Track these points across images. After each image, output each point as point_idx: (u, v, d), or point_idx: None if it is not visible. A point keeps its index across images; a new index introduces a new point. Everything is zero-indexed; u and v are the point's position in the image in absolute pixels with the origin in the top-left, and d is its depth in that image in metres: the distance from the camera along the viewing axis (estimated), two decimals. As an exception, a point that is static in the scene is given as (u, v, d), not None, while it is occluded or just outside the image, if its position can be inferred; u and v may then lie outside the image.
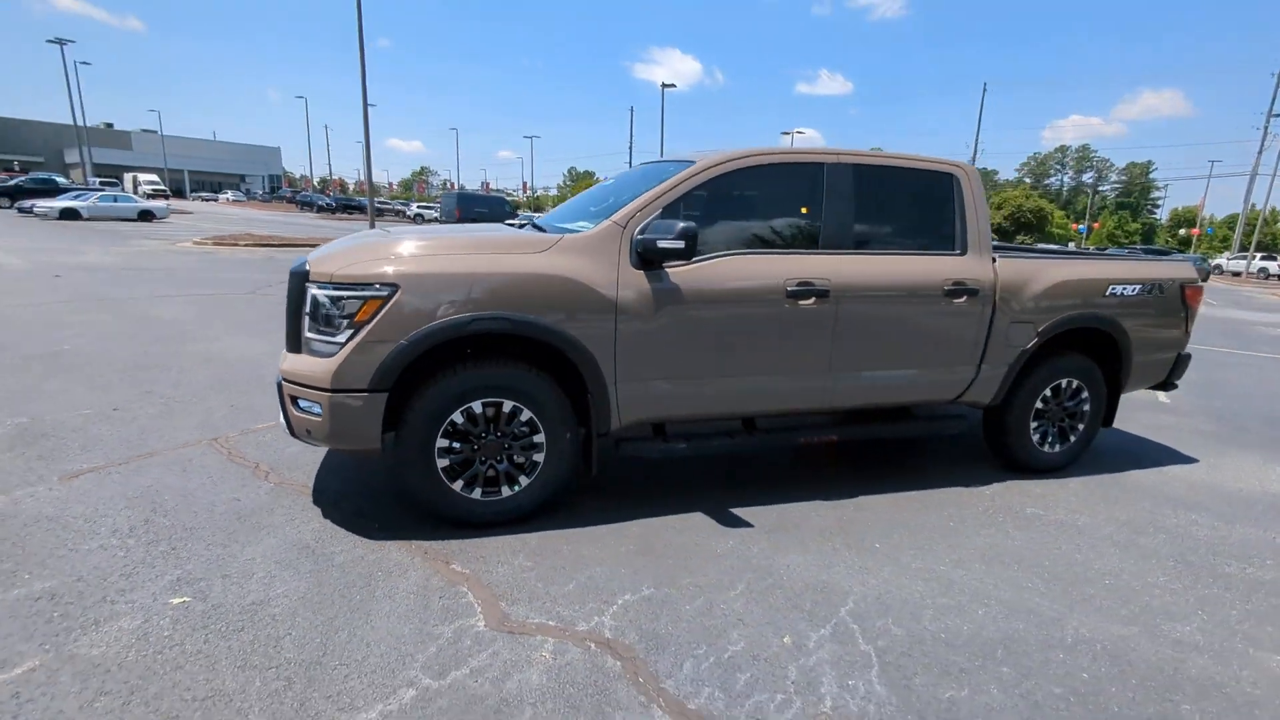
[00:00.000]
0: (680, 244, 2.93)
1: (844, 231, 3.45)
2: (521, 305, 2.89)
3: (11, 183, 33.58)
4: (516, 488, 3.07)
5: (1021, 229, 46.71)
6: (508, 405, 2.96)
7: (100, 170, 63.57)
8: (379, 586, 2.56)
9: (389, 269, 2.78)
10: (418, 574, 2.66)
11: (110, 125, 70.75)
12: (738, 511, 3.38)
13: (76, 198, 27.27)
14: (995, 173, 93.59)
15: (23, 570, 2.53)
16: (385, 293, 2.74)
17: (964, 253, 3.69)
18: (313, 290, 2.81)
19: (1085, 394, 4.13)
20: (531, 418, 3.01)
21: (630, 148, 39.36)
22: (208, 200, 61.49)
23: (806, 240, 3.44)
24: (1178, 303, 4.24)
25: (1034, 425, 4.05)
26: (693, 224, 2.95)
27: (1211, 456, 4.67)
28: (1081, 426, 4.19)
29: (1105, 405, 4.25)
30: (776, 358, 3.36)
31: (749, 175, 3.37)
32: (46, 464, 3.51)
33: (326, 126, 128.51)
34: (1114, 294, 4.02)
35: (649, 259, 3.02)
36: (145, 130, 72.52)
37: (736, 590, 2.67)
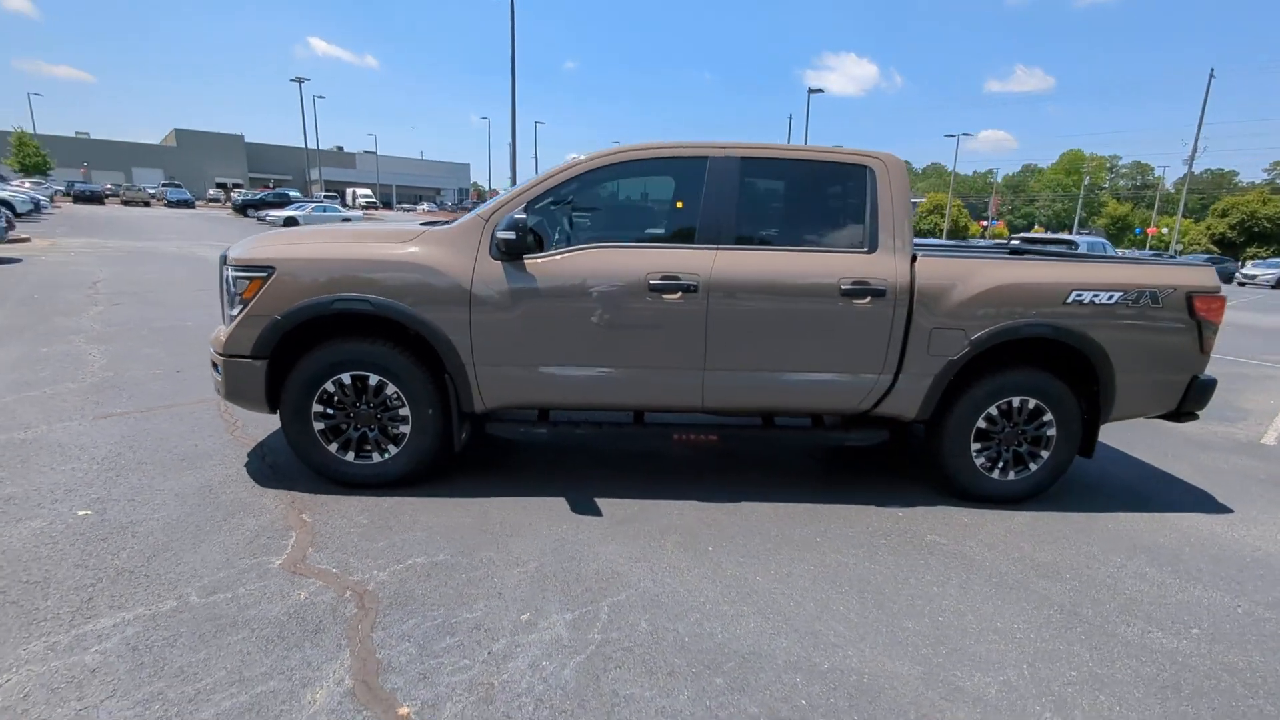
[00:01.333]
0: (511, 234, 3.07)
1: (724, 226, 3.34)
2: (383, 290, 3.20)
3: (257, 196, 41.42)
4: (386, 455, 3.39)
5: (1256, 239, 39.03)
6: (374, 379, 3.29)
7: (330, 186, 75.00)
8: (230, 522, 3.00)
9: (270, 254, 3.24)
10: (269, 517, 3.07)
11: (340, 148, 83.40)
12: (603, 501, 3.41)
13: (297, 208, 32.77)
14: (1234, 174, 78.58)
15: (5, 479, 3.31)
16: (264, 274, 3.19)
17: (873, 250, 3.38)
18: (225, 271, 3.35)
19: (1047, 416, 3.57)
20: (396, 392, 3.31)
21: None
22: (407, 210, 70.04)
23: (681, 234, 3.38)
24: (1182, 314, 3.50)
25: (977, 448, 3.58)
26: (523, 216, 3.08)
27: (1257, 510, 3.77)
28: (1045, 454, 3.62)
29: (1082, 432, 3.64)
30: (641, 351, 3.35)
31: (622, 171, 3.40)
32: (96, 406, 4.47)
33: (512, 143, 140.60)
34: (1079, 301, 3.43)
35: (506, 250, 3.19)
36: (367, 151, 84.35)
37: (525, 568, 2.76)
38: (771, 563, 2.90)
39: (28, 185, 34.07)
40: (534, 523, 3.16)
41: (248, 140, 71.44)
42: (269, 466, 3.63)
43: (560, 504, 3.36)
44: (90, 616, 2.29)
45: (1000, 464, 3.62)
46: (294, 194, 44.81)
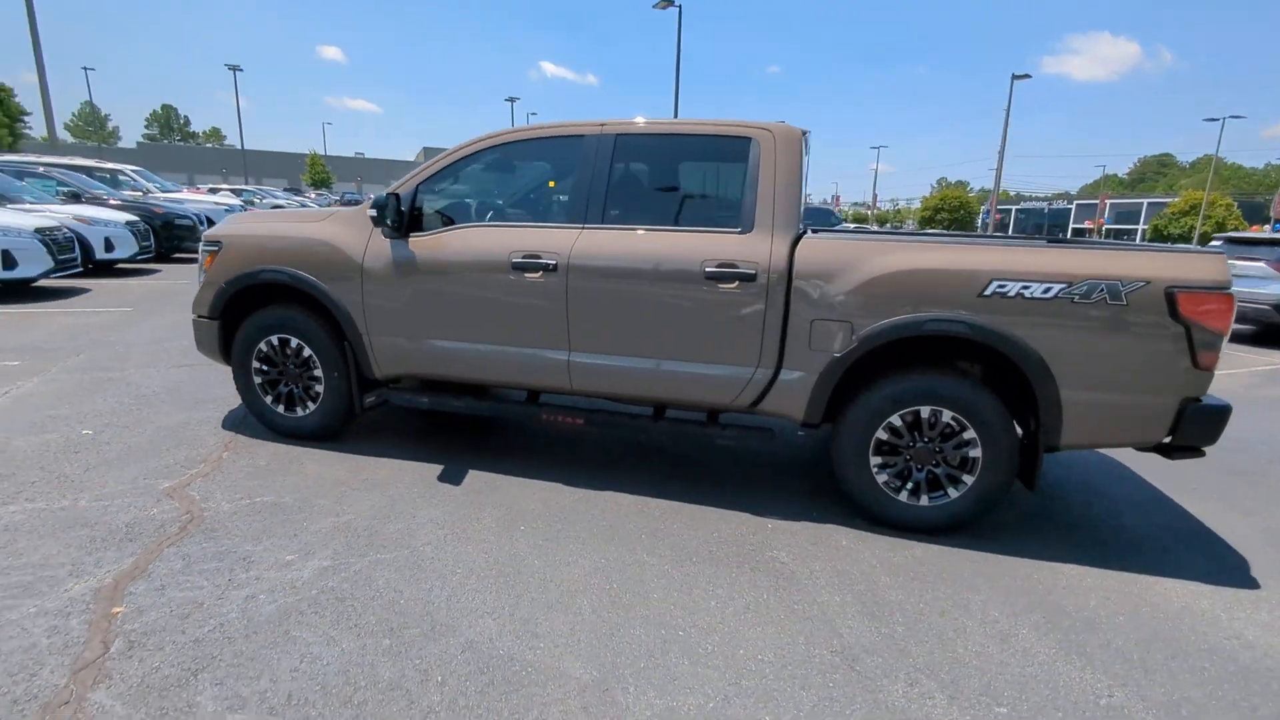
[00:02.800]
0: (374, 213, 3.29)
1: (592, 205, 3.25)
2: (297, 263, 3.63)
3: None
4: (306, 411, 3.83)
5: None
6: (294, 342, 3.74)
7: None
8: (170, 452, 3.62)
9: (222, 232, 3.83)
10: (202, 451, 3.65)
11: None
12: (476, 474, 3.52)
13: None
14: None
15: (63, 404, 4.31)
16: (216, 248, 3.79)
17: (747, 230, 3.05)
18: (200, 246, 4.03)
19: (969, 434, 2.93)
20: (311, 355, 3.73)
21: (1001, 152, 33.97)
22: None
23: (553, 214, 3.35)
24: (1160, 316, 2.65)
25: (878, 463, 3.06)
26: (393, 195, 3.28)
27: None
28: (969, 479, 2.97)
29: (1019, 457, 2.93)
30: (510, 330, 3.38)
31: (507, 153, 3.46)
32: (183, 359, 5.57)
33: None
34: (1001, 294, 2.77)
35: (394, 228, 3.43)
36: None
37: (340, 519, 2.97)
38: (566, 552, 2.79)
39: (291, 193, 41.85)
40: (391, 482, 3.37)
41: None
42: (241, 419, 4.27)
43: (433, 470, 3.53)
44: (4, 503, 2.96)
45: (912, 486, 3.05)
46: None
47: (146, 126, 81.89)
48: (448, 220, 3.52)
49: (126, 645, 2.09)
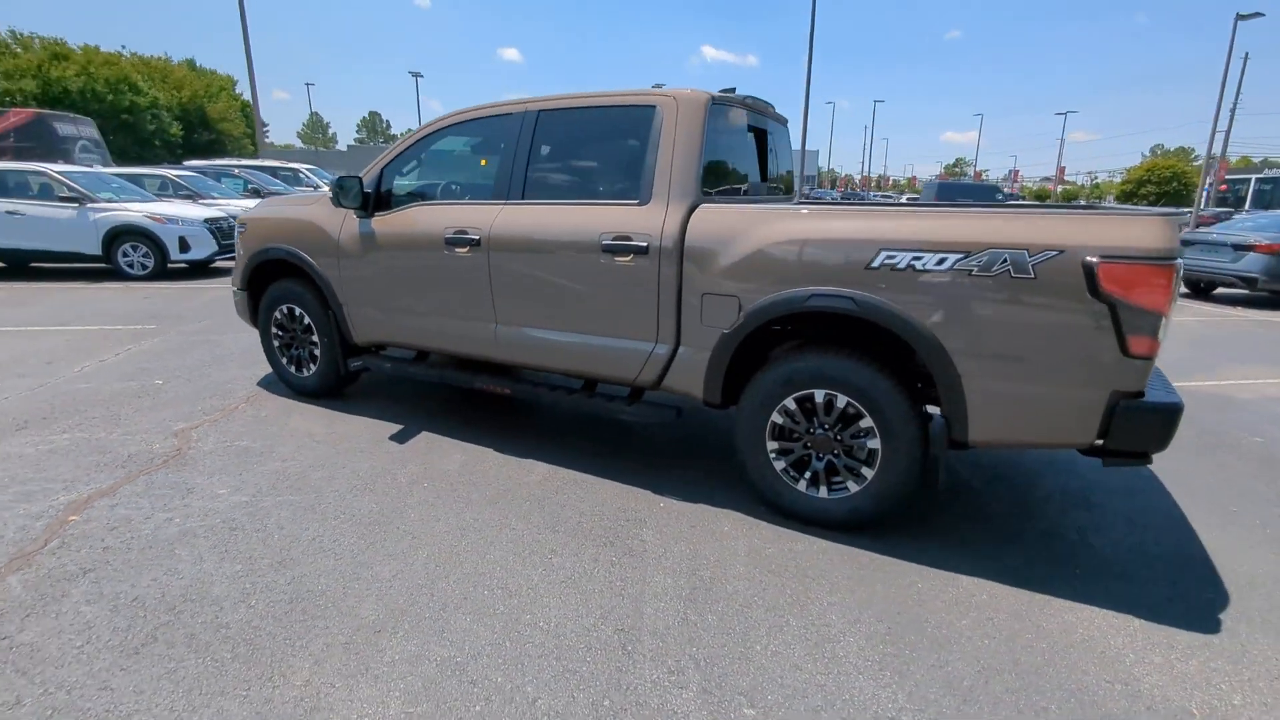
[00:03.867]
0: (331, 194, 3.64)
1: (514, 181, 3.33)
2: (294, 241, 4.12)
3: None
4: (308, 371, 4.35)
5: None
6: (298, 311, 4.26)
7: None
8: (204, 401, 4.31)
9: (245, 215, 4.44)
10: (229, 402, 4.30)
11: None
12: (427, 436, 3.79)
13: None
14: None
15: (163, 361, 5.27)
16: (242, 229, 4.41)
17: (645, 201, 2.96)
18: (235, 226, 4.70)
19: (865, 422, 2.63)
20: (310, 322, 4.23)
21: (1219, 111, 27.69)
22: None
23: (484, 191, 3.48)
24: (1077, 292, 2.19)
25: (774, 448, 2.86)
26: (344, 177, 3.60)
27: (1248, 639, 2.12)
28: (869, 473, 2.68)
29: (921, 453, 2.58)
30: (445, 302, 3.59)
31: (454, 132, 3.63)
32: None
33: (867, 126, 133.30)
34: (891, 265, 2.44)
35: (359, 208, 3.78)
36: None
37: (286, 464, 3.38)
38: (444, 510, 2.95)
39: None
40: (348, 438, 3.74)
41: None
42: (275, 376, 4.93)
43: (389, 429, 3.87)
44: (61, 431, 3.74)
45: (808, 474, 2.82)
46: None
47: (357, 131, 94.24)
48: (406, 200, 3.79)
49: (59, 545, 2.60)
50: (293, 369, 4.44)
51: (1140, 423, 2.24)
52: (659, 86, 3.55)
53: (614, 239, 2.98)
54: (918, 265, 2.40)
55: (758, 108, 3.54)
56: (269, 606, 2.25)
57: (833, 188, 69.92)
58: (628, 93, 3.10)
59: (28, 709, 1.79)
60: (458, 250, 3.43)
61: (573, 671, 1.98)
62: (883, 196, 56.78)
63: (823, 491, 2.79)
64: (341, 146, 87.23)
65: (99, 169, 12.61)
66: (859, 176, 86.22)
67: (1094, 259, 2.15)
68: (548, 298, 3.25)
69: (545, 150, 3.32)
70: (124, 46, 43.40)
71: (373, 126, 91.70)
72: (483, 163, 3.61)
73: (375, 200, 3.75)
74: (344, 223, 3.89)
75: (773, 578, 2.47)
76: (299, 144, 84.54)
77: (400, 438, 3.77)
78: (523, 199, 3.32)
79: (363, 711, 1.81)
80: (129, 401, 4.26)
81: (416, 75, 45.75)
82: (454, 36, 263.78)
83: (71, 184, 9.46)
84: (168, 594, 2.31)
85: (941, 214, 2.47)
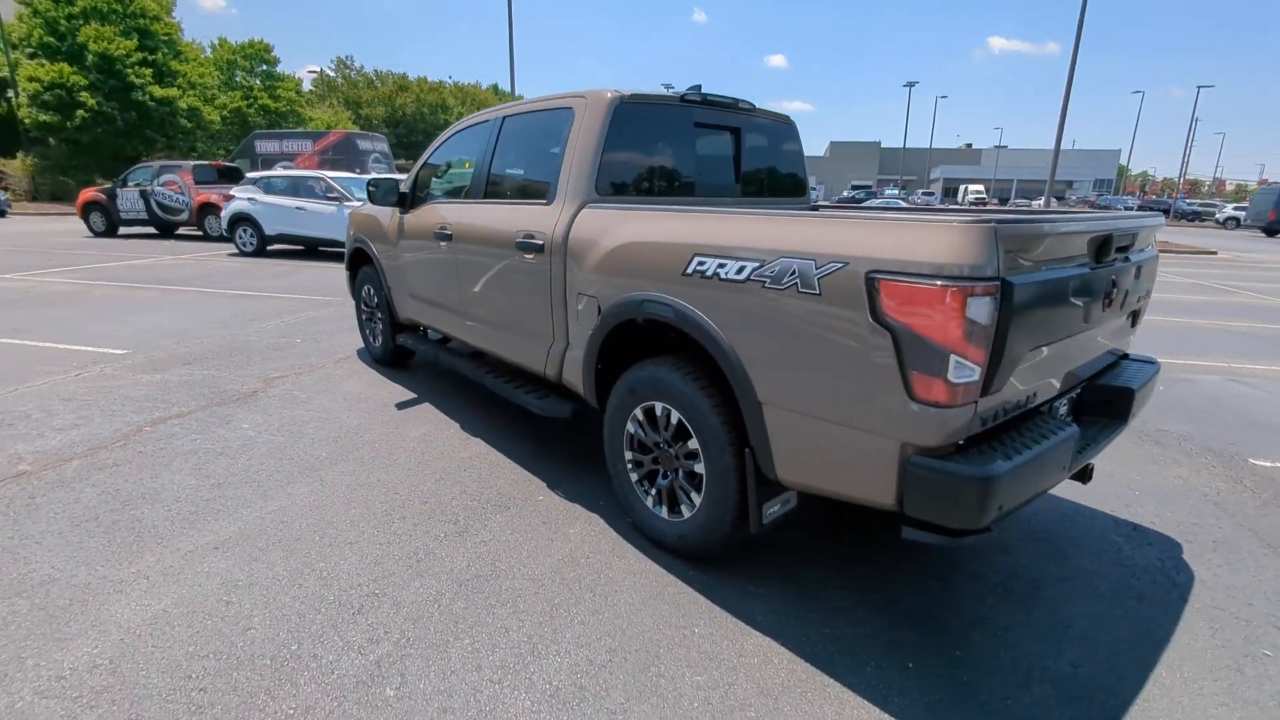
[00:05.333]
0: (362, 192, 4.27)
1: (479, 182, 3.63)
2: (365, 233, 4.94)
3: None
4: (378, 344, 5.16)
5: None
6: (371, 290, 5.08)
7: (948, 183, 75.49)
8: (301, 363, 5.37)
9: (352, 210, 5.38)
10: (310, 362, 5.31)
11: (969, 145, 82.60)
12: (430, 410, 4.29)
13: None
14: None
15: (289, 335, 6.62)
16: (349, 222, 5.37)
17: (550, 201, 3.02)
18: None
19: (692, 443, 2.41)
20: (379, 301, 5.02)
21: None
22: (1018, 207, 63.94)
23: (462, 191, 3.82)
24: (861, 314, 1.76)
25: (629, 458, 2.74)
26: (374, 178, 4.20)
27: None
28: (698, 500, 2.44)
29: (737, 486, 2.28)
30: (435, 287, 4.03)
31: (459, 138, 4.03)
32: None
33: (1194, 121, 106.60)
34: (700, 272, 2.19)
35: (395, 205, 4.40)
36: (998, 146, 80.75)
37: (269, 421, 4.12)
38: (364, 468, 3.36)
39: None
40: (372, 400, 4.39)
41: (884, 146, 78.59)
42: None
43: (407, 397, 4.44)
44: (203, 369, 5.00)
45: (653, 491, 2.66)
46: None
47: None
48: (424, 198, 4.30)
49: (121, 445, 3.57)
50: (371, 340, 5.30)
51: (930, 490, 1.75)
52: (668, 87, 3.56)
53: (524, 237, 3.11)
54: (722, 274, 2.15)
55: (723, 106, 3.35)
56: (181, 512, 2.87)
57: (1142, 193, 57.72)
58: (559, 96, 3.19)
59: (25, 542, 2.59)
60: (440, 243, 3.84)
61: (297, 614, 2.22)
62: (1195, 205, 45.36)
63: (663, 511, 2.61)
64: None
65: (378, 175, 15.88)
66: (1178, 180, 70.15)
67: (875, 273, 1.75)
68: (487, 290, 3.50)
69: (502, 153, 3.56)
70: (450, 76, 53.28)
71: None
72: (466, 165, 3.96)
73: (411, 198, 4.34)
74: (392, 217, 4.56)
75: (561, 587, 2.42)
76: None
77: (405, 405, 4.32)
78: (483, 199, 3.60)
79: (191, 572, 2.26)
80: (264, 353, 5.49)
81: (668, 87, 48.40)
82: (725, 47, 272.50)
83: (337, 186, 12.10)
84: (136, 490, 3.06)
85: (753, 217, 2.17)
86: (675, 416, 2.46)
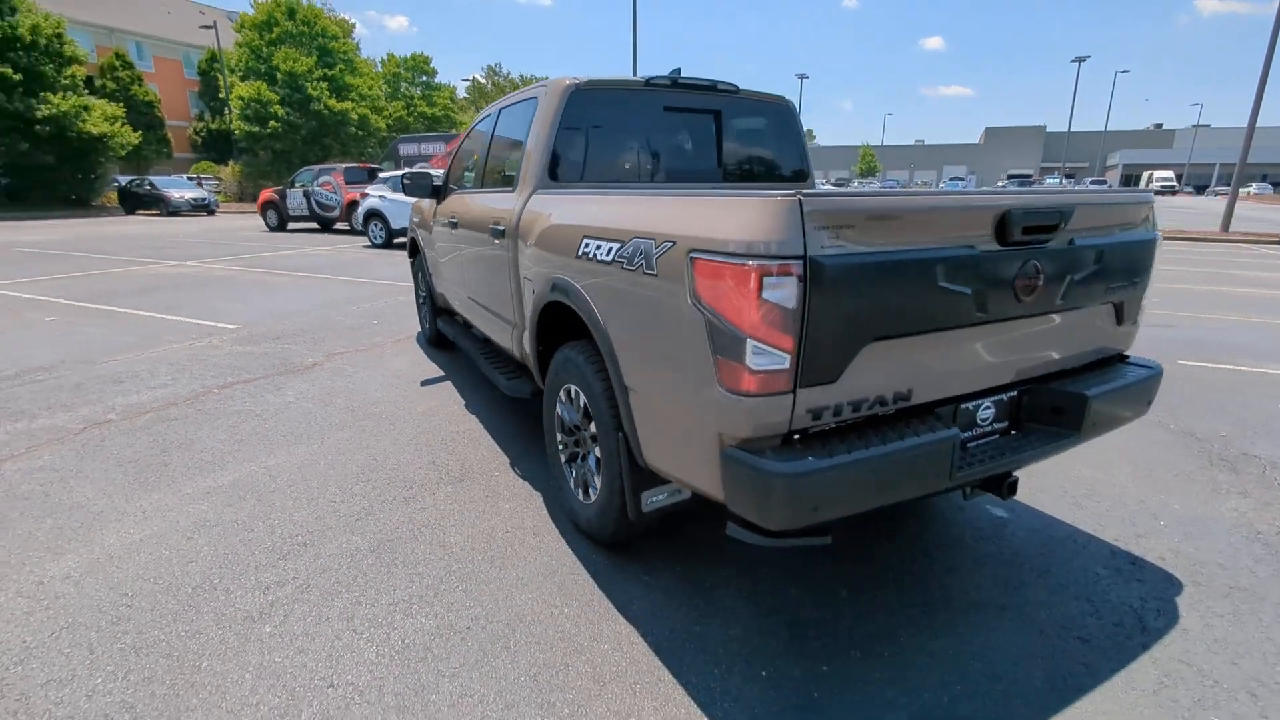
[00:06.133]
0: (402, 185, 4.62)
1: (478, 171, 3.82)
2: (417, 222, 5.34)
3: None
4: (427, 324, 5.58)
5: None
6: (421, 276, 5.50)
7: (1129, 169, 66.51)
8: (356, 339, 5.93)
9: (415, 202, 5.84)
10: (367, 340, 5.84)
11: (1158, 126, 71.81)
12: (448, 387, 4.60)
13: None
14: None
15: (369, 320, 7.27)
16: (413, 220, 5.85)
17: (513, 189, 3.12)
18: (425, 214, 6.17)
19: (591, 427, 2.40)
20: (426, 285, 5.42)
21: None
22: (1217, 195, 54.20)
23: (470, 180, 4.03)
24: (683, 295, 1.66)
25: (560, 439, 2.78)
26: (408, 171, 4.54)
27: None
28: (598, 482, 2.43)
29: (619, 472, 2.24)
30: (452, 276, 4.29)
31: (476, 129, 4.24)
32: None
33: None
34: (586, 254, 2.17)
35: (428, 195, 4.73)
36: (1197, 125, 69.62)
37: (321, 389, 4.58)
38: (365, 434, 3.67)
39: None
40: (405, 375, 4.77)
41: (1049, 130, 70.44)
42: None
43: (435, 373, 4.77)
44: (283, 344, 5.69)
45: (574, 474, 2.69)
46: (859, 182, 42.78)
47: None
48: (451, 189, 4.56)
49: (188, 403, 4.20)
50: (423, 322, 5.75)
51: (742, 485, 1.63)
52: (677, 70, 3.57)
53: (494, 224, 3.24)
54: (599, 256, 2.13)
55: (698, 89, 3.26)
56: (199, 460, 3.34)
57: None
58: (534, 86, 3.28)
59: (78, 475, 3.18)
60: (453, 232, 4.09)
61: (234, 554, 2.51)
62: None
63: (580, 494, 2.63)
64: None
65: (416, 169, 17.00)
66: None
67: (694, 253, 1.66)
68: (476, 275, 3.69)
69: (495, 144, 3.71)
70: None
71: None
72: (474, 157, 4.15)
73: (444, 189, 4.64)
74: (431, 208, 4.91)
75: (465, 556, 2.53)
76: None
77: (429, 382, 4.65)
78: (479, 188, 3.79)
79: (178, 511, 2.68)
80: (341, 332, 6.14)
81: (802, 77, 46.92)
82: (878, 32, 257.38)
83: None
84: (177, 441, 3.60)
85: (624, 198, 2.13)
86: (583, 399, 2.47)
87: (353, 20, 36.38)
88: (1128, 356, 2.42)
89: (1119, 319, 2.25)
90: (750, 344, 1.54)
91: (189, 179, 29.90)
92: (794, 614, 2.19)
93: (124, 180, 26.73)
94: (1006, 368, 2.02)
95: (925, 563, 2.49)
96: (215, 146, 41.64)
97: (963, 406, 1.96)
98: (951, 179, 58.81)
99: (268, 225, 18.37)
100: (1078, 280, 2.01)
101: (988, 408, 2.03)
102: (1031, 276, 1.87)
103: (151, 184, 25.01)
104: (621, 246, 1.99)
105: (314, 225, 18.22)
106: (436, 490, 3.05)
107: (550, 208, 2.69)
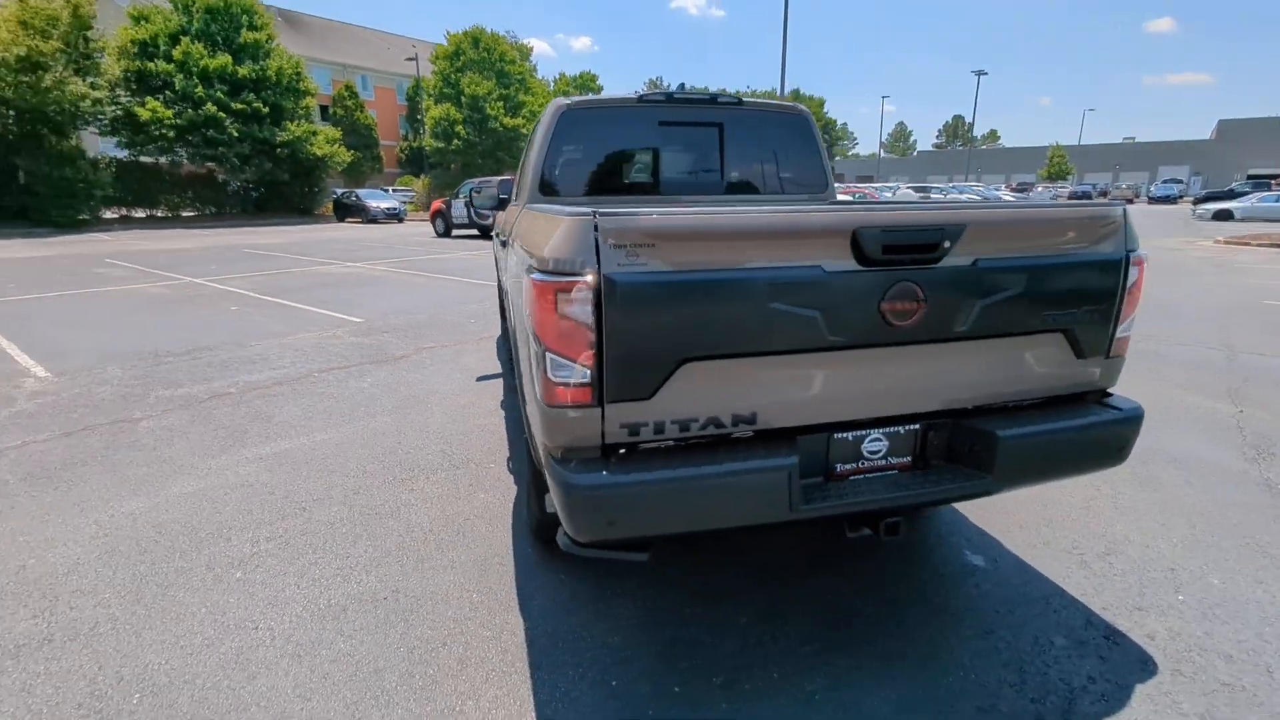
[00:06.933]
0: (466, 198, 5.05)
1: (520, 186, 4.09)
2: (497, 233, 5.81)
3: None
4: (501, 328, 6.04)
5: None
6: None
7: None
8: (452, 334, 6.53)
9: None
10: (460, 337, 6.41)
11: None
12: (496, 386, 4.97)
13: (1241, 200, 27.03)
14: None
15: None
16: (497, 223, 6.36)
17: (519, 200, 3.34)
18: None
19: (525, 428, 2.54)
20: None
21: None
22: None
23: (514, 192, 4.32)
24: (524, 306, 1.73)
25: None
26: (476, 182, 4.95)
27: None
28: (530, 483, 2.56)
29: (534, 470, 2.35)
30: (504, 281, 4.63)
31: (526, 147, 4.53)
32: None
33: None
34: (521, 266, 2.30)
35: (497, 207, 5.15)
36: None
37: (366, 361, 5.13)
38: (403, 424, 4.12)
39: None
40: (471, 370, 5.23)
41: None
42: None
43: (494, 374, 5.18)
44: (389, 337, 6.46)
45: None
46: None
47: (937, 136, 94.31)
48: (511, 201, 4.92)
49: (280, 382, 4.97)
50: (502, 324, 6.22)
51: (553, 492, 1.69)
52: (680, 87, 3.65)
53: (499, 233, 3.51)
54: (516, 265, 2.28)
55: (696, 103, 3.26)
56: (269, 431, 3.97)
57: None
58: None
59: (183, 435, 3.97)
60: (504, 247, 4.43)
61: (246, 512, 2.99)
62: None
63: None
64: (925, 150, 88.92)
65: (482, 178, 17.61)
66: None
67: (529, 270, 1.75)
68: (504, 278, 3.97)
69: (523, 158, 3.97)
70: (748, 85, 55.12)
71: (954, 130, 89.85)
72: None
73: (508, 201, 5.03)
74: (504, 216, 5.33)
75: (421, 537, 2.79)
76: (883, 154, 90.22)
77: (483, 379, 5.05)
78: (514, 199, 4.08)
79: (230, 471, 3.29)
80: (441, 328, 6.83)
81: (980, 73, 42.83)
82: (1097, 12, 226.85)
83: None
84: (263, 414, 4.30)
85: (535, 215, 2.22)
86: (525, 401, 2.62)
87: (530, 44, 39.61)
88: (1109, 394, 2.08)
89: (1078, 351, 1.95)
90: (550, 358, 1.60)
91: (384, 191, 34.34)
92: (681, 633, 2.17)
93: (339, 192, 31.40)
94: (901, 397, 1.84)
95: (859, 601, 2.32)
96: (414, 162, 47.36)
97: (839, 436, 1.83)
98: (1165, 181, 50.08)
99: (436, 231, 20.62)
100: (992, 305, 1.78)
101: (876, 439, 1.87)
102: (908, 300, 1.70)
103: (356, 195, 29.08)
104: (527, 258, 2.12)
105: (474, 231, 20.13)
106: (432, 475, 3.37)
107: (518, 219, 2.88)
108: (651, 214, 1.58)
